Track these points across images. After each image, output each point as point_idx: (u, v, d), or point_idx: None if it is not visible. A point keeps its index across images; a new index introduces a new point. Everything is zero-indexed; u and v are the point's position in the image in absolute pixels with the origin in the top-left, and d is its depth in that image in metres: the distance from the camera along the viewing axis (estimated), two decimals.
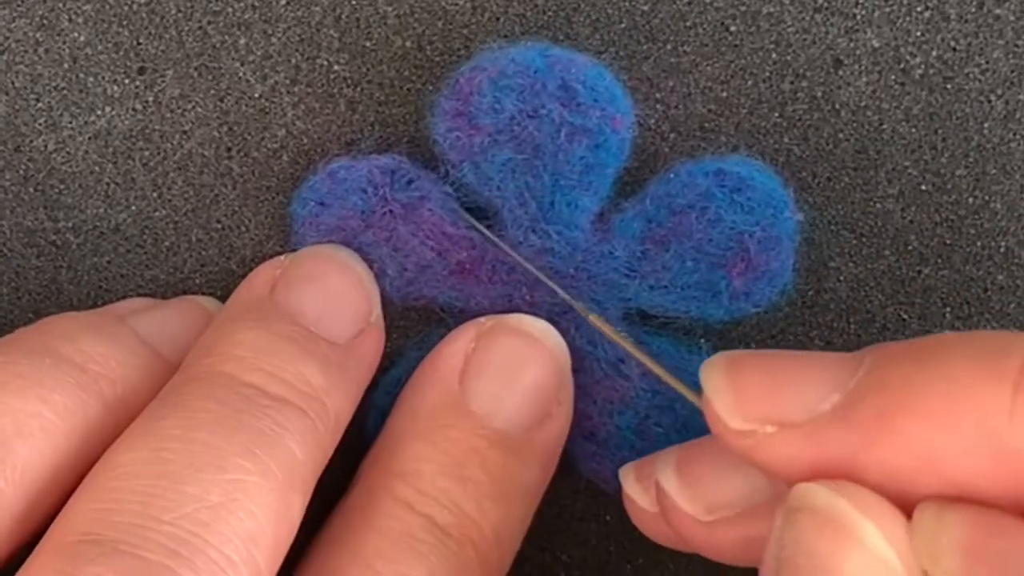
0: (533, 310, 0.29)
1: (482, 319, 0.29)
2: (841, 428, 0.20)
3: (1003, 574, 0.18)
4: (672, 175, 0.29)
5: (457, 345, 0.28)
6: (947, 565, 0.19)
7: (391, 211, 0.29)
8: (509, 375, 0.28)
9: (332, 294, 0.29)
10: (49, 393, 0.26)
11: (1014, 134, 0.29)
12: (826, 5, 0.29)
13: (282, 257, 0.30)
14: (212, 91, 0.30)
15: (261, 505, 0.24)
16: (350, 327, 0.29)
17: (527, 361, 0.28)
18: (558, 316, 0.29)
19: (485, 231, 0.29)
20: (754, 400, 0.21)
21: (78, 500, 0.24)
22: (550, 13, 0.30)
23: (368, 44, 0.30)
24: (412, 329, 0.30)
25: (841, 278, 0.30)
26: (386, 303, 0.29)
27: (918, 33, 0.29)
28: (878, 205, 0.30)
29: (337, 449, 0.27)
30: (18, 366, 0.26)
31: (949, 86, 0.29)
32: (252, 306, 0.29)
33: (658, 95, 0.30)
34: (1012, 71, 0.29)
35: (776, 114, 0.30)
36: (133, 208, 0.30)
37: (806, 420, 0.20)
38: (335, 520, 0.28)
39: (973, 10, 0.29)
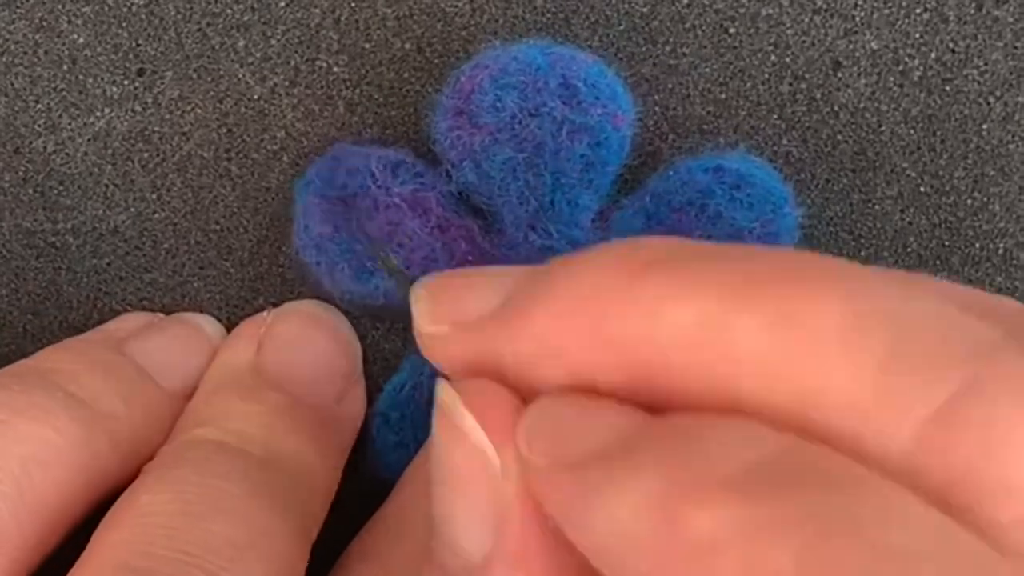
0: None
1: None
2: (491, 326, 0.21)
3: (552, 447, 0.19)
4: (671, 172, 0.29)
5: None
6: (535, 450, 0.19)
7: (395, 202, 0.29)
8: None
9: (317, 358, 0.29)
10: (65, 425, 0.26)
11: (1013, 136, 0.30)
12: (825, 7, 0.29)
13: (264, 313, 0.30)
14: (211, 93, 0.30)
15: (277, 551, 0.25)
16: (336, 390, 0.29)
17: None
18: None
19: None
20: (441, 305, 0.22)
21: (106, 532, 0.25)
22: (549, 15, 0.30)
23: (367, 46, 0.30)
24: (411, 331, 0.30)
25: None
26: (386, 302, 0.29)
27: (917, 35, 0.29)
28: (877, 207, 0.30)
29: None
30: (32, 396, 0.26)
31: (948, 88, 0.29)
32: (240, 374, 0.29)
33: (657, 97, 0.30)
34: (1011, 73, 0.29)
35: (775, 116, 0.30)
36: (132, 210, 0.30)
37: (474, 320, 0.21)
38: (374, 525, 0.28)
39: (972, 12, 0.29)
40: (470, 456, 0.20)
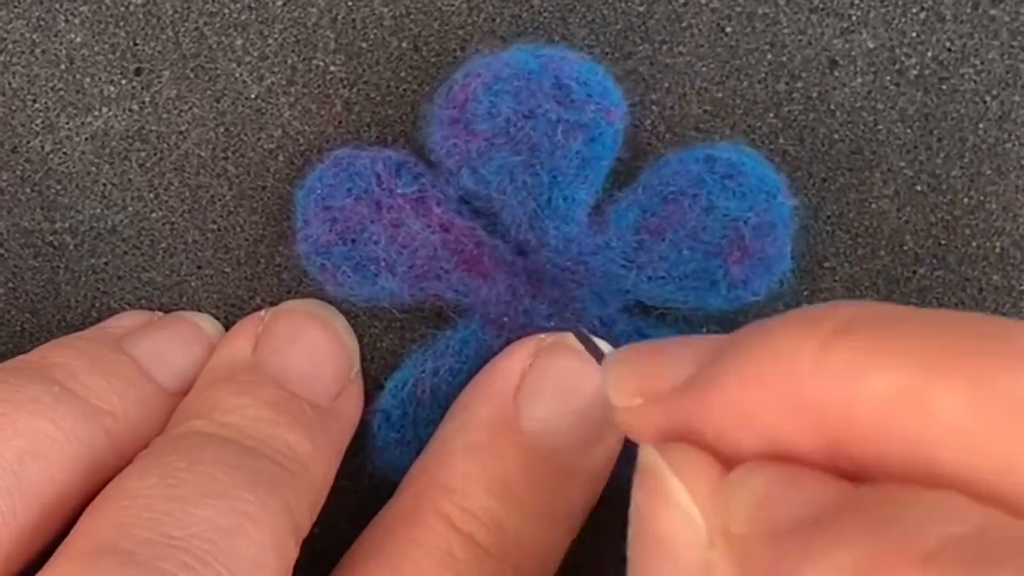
0: (535, 305, 0.29)
1: (542, 335, 0.29)
2: (686, 395, 0.21)
3: (752, 516, 0.19)
4: (663, 163, 0.29)
5: (515, 360, 0.28)
6: (736, 518, 0.19)
7: (398, 204, 0.29)
8: (564, 395, 0.28)
9: (314, 355, 0.29)
10: (61, 419, 0.26)
11: (1009, 135, 0.30)
12: (821, 6, 0.29)
13: (262, 312, 0.30)
14: (208, 92, 0.30)
15: (265, 537, 0.25)
16: (332, 388, 0.29)
17: (584, 382, 0.28)
18: (558, 314, 0.29)
19: None
20: (632, 379, 0.22)
21: (91, 516, 0.25)
22: (546, 14, 0.30)
23: (364, 45, 0.30)
24: (410, 329, 0.30)
25: (836, 278, 0.30)
26: (392, 302, 0.30)
27: (913, 34, 0.29)
28: (873, 205, 0.30)
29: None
30: (30, 390, 0.26)
31: (944, 87, 0.29)
32: (236, 370, 0.29)
33: (653, 96, 0.30)
34: (1007, 72, 0.29)
35: (771, 115, 0.30)
36: (130, 209, 0.30)
37: (667, 392, 0.21)
38: (378, 525, 0.28)
39: (968, 11, 0.29)
40: (675, 521, 0.20)
